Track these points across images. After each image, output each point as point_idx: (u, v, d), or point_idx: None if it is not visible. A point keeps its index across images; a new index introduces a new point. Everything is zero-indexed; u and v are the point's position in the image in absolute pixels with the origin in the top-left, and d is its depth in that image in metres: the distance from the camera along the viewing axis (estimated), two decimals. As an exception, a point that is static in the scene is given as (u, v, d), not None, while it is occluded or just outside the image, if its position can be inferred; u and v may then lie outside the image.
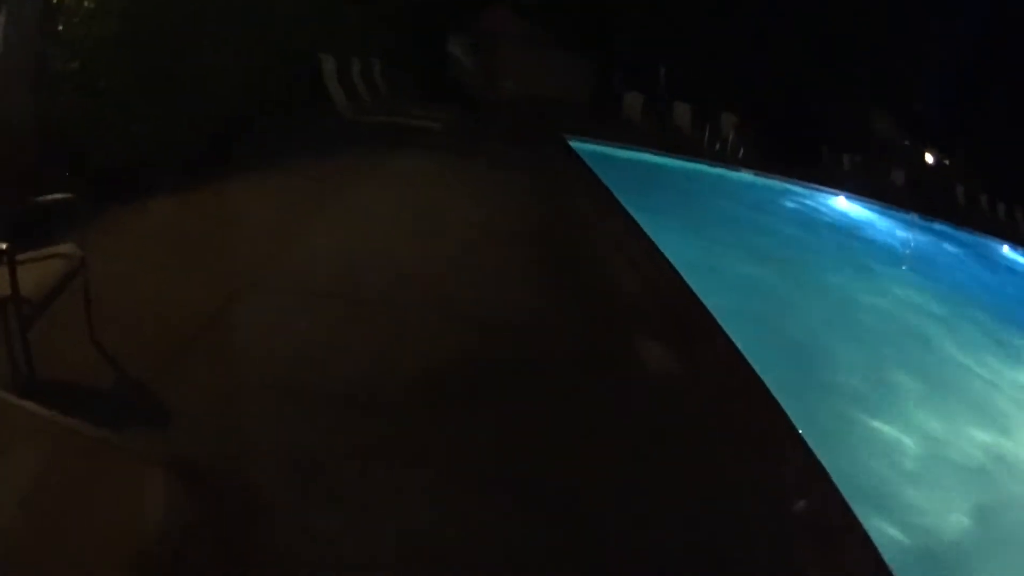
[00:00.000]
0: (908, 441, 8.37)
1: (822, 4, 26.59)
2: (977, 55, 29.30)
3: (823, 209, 22.49)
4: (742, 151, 23.74)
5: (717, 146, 24.05)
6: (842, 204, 23.82)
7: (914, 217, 25.00)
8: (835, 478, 5.46)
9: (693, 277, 9.13)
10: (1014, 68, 28.91)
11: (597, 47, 26.47)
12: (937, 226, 25.15)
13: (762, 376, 6.71)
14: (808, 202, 22.53)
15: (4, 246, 4.63)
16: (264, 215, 9.72)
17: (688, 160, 21.43)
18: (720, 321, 7.88)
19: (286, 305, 6.92)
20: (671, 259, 9.71)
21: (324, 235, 9.06)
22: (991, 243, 25.90)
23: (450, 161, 13.94)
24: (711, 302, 8.38)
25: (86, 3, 9.30)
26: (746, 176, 21.94)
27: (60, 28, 8.99)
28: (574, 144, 18.61)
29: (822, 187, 23.96)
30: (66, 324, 5.45)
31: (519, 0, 24.64)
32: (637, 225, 10.88)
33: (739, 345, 7.33)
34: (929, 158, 33.91)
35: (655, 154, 20.81)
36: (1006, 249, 26.18)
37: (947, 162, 33.72)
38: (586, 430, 5.61)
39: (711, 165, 21.80)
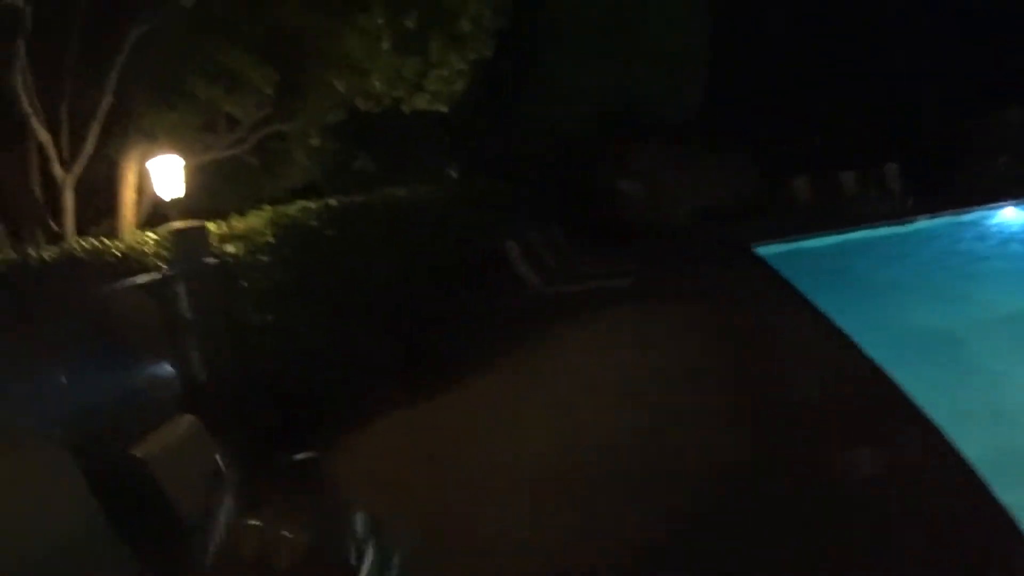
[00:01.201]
0: None
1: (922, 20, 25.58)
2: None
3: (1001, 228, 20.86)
4: (911, 200, 22.46)
5: (888, 205, 22.82)
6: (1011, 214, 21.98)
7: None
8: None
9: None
10: None
11: (752, 141, 26.27)
12: None
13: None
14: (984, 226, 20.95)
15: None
16: (479, 407, 9.66)
17: (868, 228, 20.33)
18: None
19: (527, 503, 6.77)
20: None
21: (538, 420, 8.84)
22: None
23: (643, 312, 13.42)
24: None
25: (263, 258, 9.38)
26: (922, 224, 20.61)
27: (244, 285, 9.00)
28: (762, 249, 18.01)
29: (990, 204, 22.19)
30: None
31: (665, 127, 24.79)
32: (835, 327, 10.17)
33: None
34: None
35: (838, 233, 19.81)
36: None
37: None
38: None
39: (889, 225, 20.59)
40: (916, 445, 6.64)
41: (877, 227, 20.29)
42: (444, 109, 12.76)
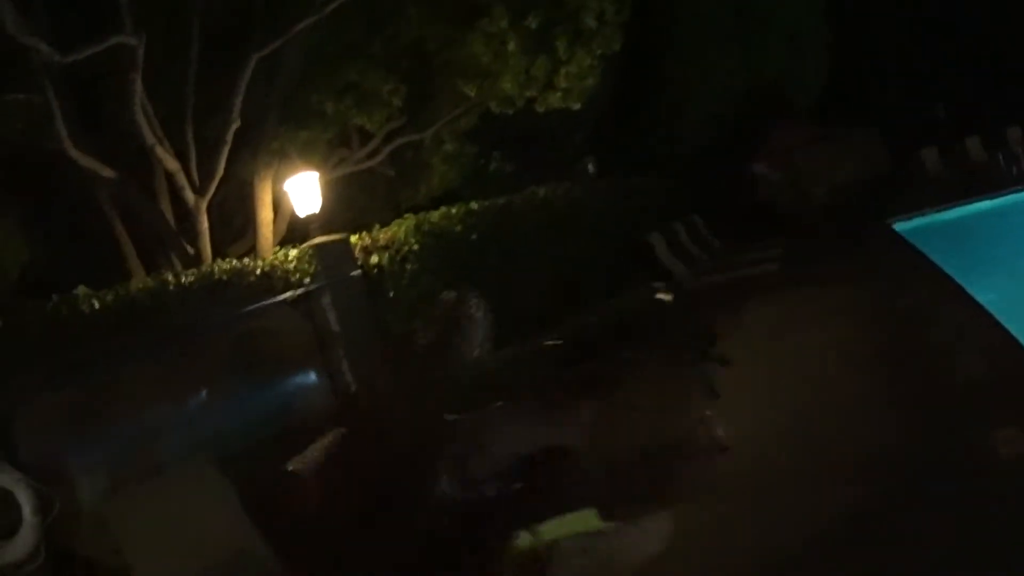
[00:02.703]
0: None
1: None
2: None
3: None
4: None
5: (1014, 170, 21.62)
6: None
7: None
8: None
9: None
10: None
11: (879, 116, 25.83)
12: None
13: None
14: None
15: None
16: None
17: (997, 195, 19.22)
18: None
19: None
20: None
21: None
22: None
23: (792, 297, 12.83)
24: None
25: (409, 266, 9.15)
26: None
27: (391, 295, 8.77)
28: (899, 225, 17.18)
29: None
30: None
31: (794, 108, 24.46)
32: (974, 301, 9.60)
33: None
34: None
35: (969, 203, 18.75)
36: None
37: None
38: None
39: (1017, 191, 19.44)
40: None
41: (1006, 194, 18.91)
42: (577, 106, 12.40)
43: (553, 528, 4.80)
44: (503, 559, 4.67)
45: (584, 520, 4.97)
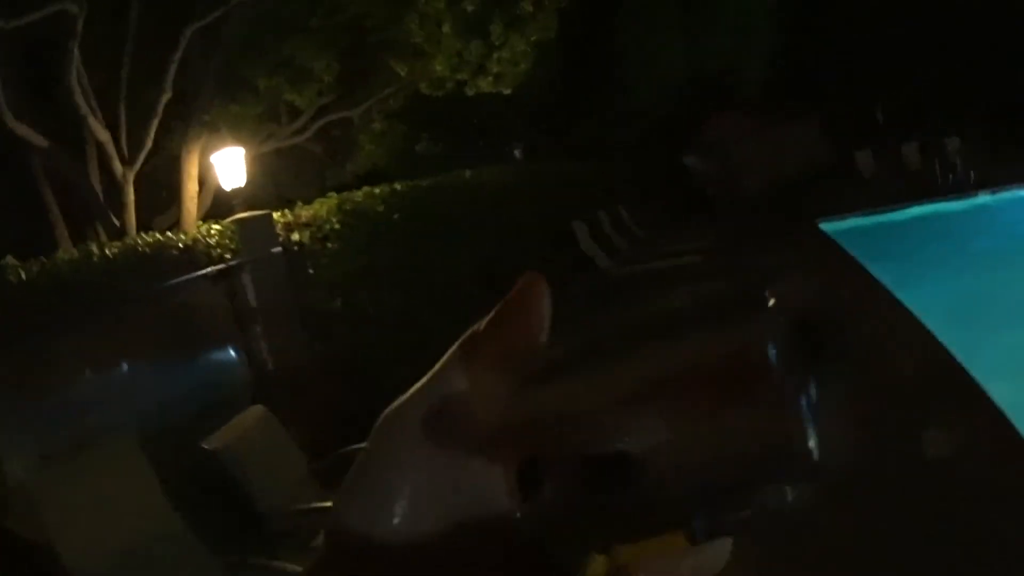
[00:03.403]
0: None
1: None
2: None
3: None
4: (972, 174, 21.75)
5: (950, 178, 22.21)
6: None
7: None
8: None
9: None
10: None
11: (819, 113, 26.19)
12: None
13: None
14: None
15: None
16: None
17: (929, 203, 19.68)
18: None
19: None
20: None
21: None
22: None
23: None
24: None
25: (330, 245, 9.29)
26: (983, 199, 19.83)
27: (311, 272, 8.91)
28: (826, 225, 17.67)
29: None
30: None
31: (740, 102, 24.75)
32: (898, 303, 10.04)
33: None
34: None
35: (897, 209, 19.27)
36: None
37: None
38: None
39: (950, 200, 19.93)
40: (984, 428, 6.37)
41: (938, 202, 19.62)
42: (507, 91, 12.58)
43: (633, 550, 4.76)
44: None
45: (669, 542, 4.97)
